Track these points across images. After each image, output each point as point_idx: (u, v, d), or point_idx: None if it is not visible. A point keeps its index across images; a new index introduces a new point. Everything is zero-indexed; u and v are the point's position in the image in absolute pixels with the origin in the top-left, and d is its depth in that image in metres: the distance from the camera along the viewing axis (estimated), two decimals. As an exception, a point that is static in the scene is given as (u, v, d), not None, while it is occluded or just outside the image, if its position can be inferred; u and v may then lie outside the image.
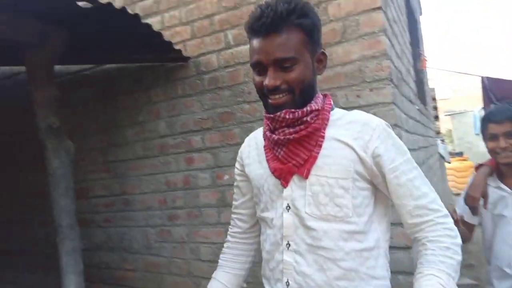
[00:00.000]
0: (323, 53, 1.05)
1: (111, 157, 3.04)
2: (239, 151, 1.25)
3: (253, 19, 0.98)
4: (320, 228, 0.99)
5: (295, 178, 1.02)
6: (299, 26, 0.96)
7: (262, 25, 0.96)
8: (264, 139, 1.11)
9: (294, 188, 1.02)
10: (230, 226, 1.30)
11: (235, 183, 1.27)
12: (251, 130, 2.38)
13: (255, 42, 0.99)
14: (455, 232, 0.98)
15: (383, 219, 1.05)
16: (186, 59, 2.67)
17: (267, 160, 1.08)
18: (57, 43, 2.29)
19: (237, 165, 1.25)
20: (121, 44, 2.57)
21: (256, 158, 1.14)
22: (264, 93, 1.01)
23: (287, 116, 0.98)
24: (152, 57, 2.76)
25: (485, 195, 1.63)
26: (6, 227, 3.66)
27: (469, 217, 1.70)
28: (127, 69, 2.96)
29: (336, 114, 1.06)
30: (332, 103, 1.07)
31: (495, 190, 1.68)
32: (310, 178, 1.00)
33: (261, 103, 1.07)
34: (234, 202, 1.28)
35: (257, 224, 1.22)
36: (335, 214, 0.99)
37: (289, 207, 1.03)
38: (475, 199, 1.61)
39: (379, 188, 1.03)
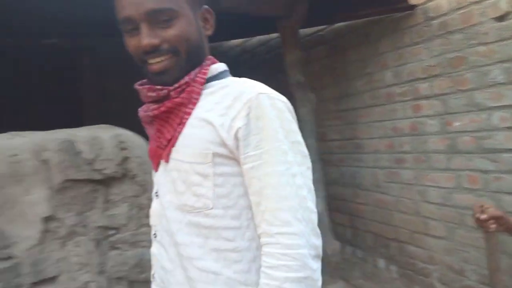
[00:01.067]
0: (208, 10, 0.88)
1: (342, 106, 3.46)
2: None
3: None
4: (176, 219, 0.82)
5: (161, 161, 0.86)
6: None
7: None
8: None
9: (160, 173, 0.88)
10: None
11: None
12: (486, 75, 2.30)
13: None
14: (300, 260, 0.71)
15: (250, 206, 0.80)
16: (413, 7, 2.71)
17: (149, 140, 0.91)
18: (300, 11, 2.78)
19: None
20: (350, 2, 2.85)
21: None
22: (141, 58, 0.82)
23: (157, 95, 0.82)
24: (379, 11, 2.92)
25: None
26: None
27: None
28: (355, 25, 3.23)
29: (218, 84, 0.84)
30: (223, 72, 0.88)
31: None
32: (170, 162, 0.83)
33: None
34: None
35: None
36: (193, 205, 0.80)
37: (157, 194, 0.89)
38: None
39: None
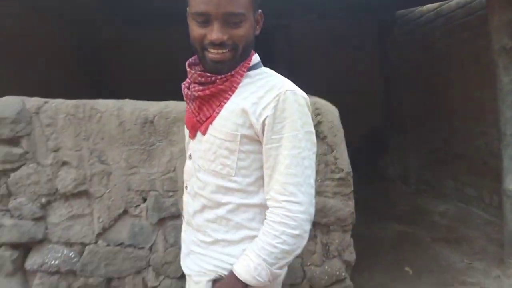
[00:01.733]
0: (260, 14, 1.04)
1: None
2: None
3: None
4: (204, 180, 1.07)
5: (198, 132, 1.09)
6: None
7: None
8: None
9: (196, 141, 1.11)
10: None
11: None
12: None
13: None
14: (297, 222, 0.97)
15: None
16: None
17: (186, 111, 1.15)
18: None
19: None
20: None
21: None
22: (202, 46, 1.00)
23: (205, 80, 1.03)
24: None
25: None
26: (448, 135, 4.42)
27: None
28: None
29: (256, 76, 1.05)
30: (257, 63, 1.07)
31: None
32: (206, 135, 1.06)
33: None
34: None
35: None
36: (219, 171, 1.04)
37: (191, 156, 1.14)
38: None
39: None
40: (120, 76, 5.27)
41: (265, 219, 1.02)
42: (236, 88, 1.04)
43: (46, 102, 1.90)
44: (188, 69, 1.08)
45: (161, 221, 1.94)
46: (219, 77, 1.03)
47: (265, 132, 0.99)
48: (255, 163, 1.04)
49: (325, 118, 1.88)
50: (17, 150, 1.87)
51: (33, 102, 1.89)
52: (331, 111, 1.90)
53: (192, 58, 1.11)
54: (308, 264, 1.97)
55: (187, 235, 1.18)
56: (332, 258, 1.95)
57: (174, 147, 1.91)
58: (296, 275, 1.96)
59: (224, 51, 0.99)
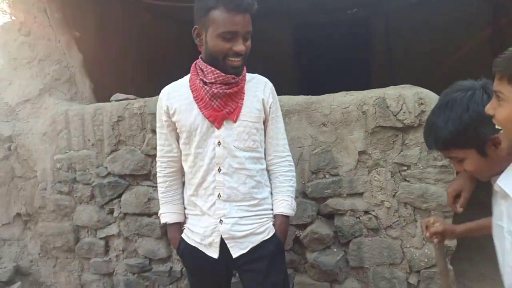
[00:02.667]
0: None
1: None
2: (159, 106, 1.54)
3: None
4: (243, 156, 1.48)
5: (225, 122, 1.46)
6: (253, 11, 1.39)
7: (243, 6, 1.35)
8: (193, 91, 1.48)
9: (223, 129, 1.46)
10: (160, 170, 1.60)
11: (163, 133, 1.55)
12: None
13: (231, 16, 1.34)
14: (293, 166, 1.62)
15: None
16: None
17: (200, 108, 1.45)
18: None
19: (162, 117, 1.53)
20: None
21: (185, 107, 1.48)
22: (226, 55, 1.38)
23: (232, 81, 1.43)
24: None
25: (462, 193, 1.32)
26: None
27: None
28: None
29: (249, 76, 1.54)
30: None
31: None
32: (237, 121, 1.46)
33: None
34: (164, 148, 1.57)
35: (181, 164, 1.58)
36: (251, 146, 1.50)
37: (220, 143, 1.46)
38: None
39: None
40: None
41: (274, 171, 1.58)
42: (244, 84, 1.50)
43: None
44: (206, 71, 1.43)
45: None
46: (238, 78, 1.45)
47: (269, 112, 1.54)
48: (262, 136, 1.55)
49: (429, 107, 2.01)
50: (165, 139, 2.37)
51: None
52: (434, 100, 2.02)
53: (199, 64, 1.47)
54: (408, 246, 2.13)
55: (221, 208, 1.48)
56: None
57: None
58: (396, 256, 2.14)
59: (240, 58, 1.41)
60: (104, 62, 3.23)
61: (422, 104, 2.04)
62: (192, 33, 1.44)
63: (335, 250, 2.26)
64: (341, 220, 2.23)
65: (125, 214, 2.44)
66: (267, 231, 1.51)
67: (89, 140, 2.48)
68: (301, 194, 2.24)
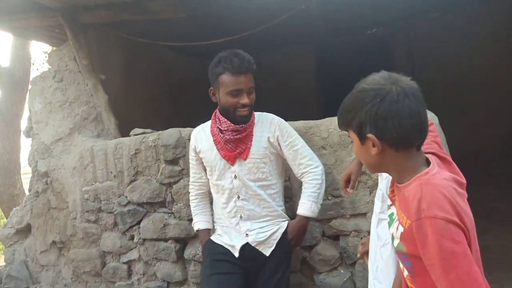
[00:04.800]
0: None
1: None
2: (190, 144, 2.04)
3: (235, 64, 1.74)
4: (254, 186, 1.89)
5: (237, 160, 1.88)
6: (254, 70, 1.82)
7: (243, 69, 1.75)
8: (213, 135, 1.92)
9: (237, 165, 1.88)
10: (193, 191, 2.10)
11: (194, 164, 2.04)
12: None
13: (235, 77, 1.76)
14: (320, 172, 1.96)
15: (282, 175, 2.03)
16: None
17: (218, 149, 1.89)
18: None
19: (192, 153, 2.02)
20: None
21: (207, 148, 1.93)
22: (235, 108, 1.80)
23: (240, 129, 1.86)
24: None
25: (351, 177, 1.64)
26: None
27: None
28: None
29: (257, 117, 1.94)
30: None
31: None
32: (247, 159, 1.87)
33: None
34: (195, 175, 2.06)
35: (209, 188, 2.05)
36: (260, 177, 1.90)
37: (236, 176, 1.88)
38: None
39: (280, 156, 1.95)
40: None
41: (303, 183, 1.96)
42: (253, 128, 1.89)
43: (194, 131, 2.54)
44: (221, 121, 1.86)
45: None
46: (246, 125, 1.85)
47: (280, 143, 1.91)
48: (275, 165, 1.93)
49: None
50: (177, 168, 2.54)
51: (186, 131, 2.54)
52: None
53: (217, 114, 1.90)
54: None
55: (244, 226, 1.91)
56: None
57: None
58: None
59: (247, 109, 1.81)
60: (129, 99, 3.53)
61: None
62: (209, 93, 1.89)
63: (341, 271, 2.28)
64: (346, 241, 2.26)
65: (144, 239, 2.63)
66: (281, 229, 1.93)
67: (111, 172, 2.72)
68: (305, 216, 2.30)
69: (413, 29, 5.27)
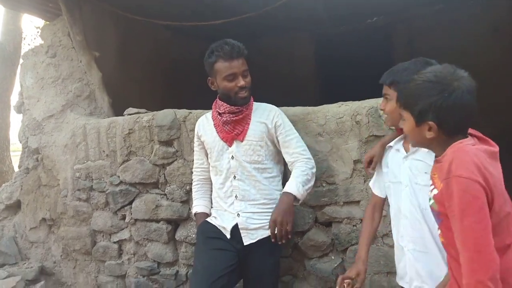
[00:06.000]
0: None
1: None
2: (195, 130, 2.12)
3: (227, 50, 1.85)
4: (250, 167, 1.94)
5: (235, 141, 1.94)
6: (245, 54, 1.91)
7: (234, 53, 1.86)
8: (213, 120, 2.02)
9: (234, 147, 1.95)
10: (195, 176, 2.17)
11: (197, 150, 2.13)
12: None
13: (228, 63, 1.86)
14: (311, 164, 1.99)
15: (279, 162, 2.06)
16: None
17: (217, 132, 1.98)
18: None
19: (196, 139, 2.12)
20: None
21: (208, 131, 2.02)
22: (235, 92, 1.89)
23: (236, 111, 1.93)
24: None
25: (373, 158, 1.67)
26: None
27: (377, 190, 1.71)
28: None
29: (255, 105, 2.02)
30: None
31: (395, 153, 1.56)
32: (244, 141, 1.93)
33: None
34: (198, 161, 2.15)
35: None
36: (256, 159, 1.95)
37: (233, 157, 1.95)
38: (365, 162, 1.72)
39: (276, 143, 2.00)
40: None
41: (293, 170, 1.96)
42: (251, 111, 1.97)
43: (190, 113, 2.50)
44: (219, 105, 1.96)
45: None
46: (243, 108, 1.93)
47: (278, 130, 1.97)
48: (271, 151, 1.98)
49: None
50: (171, 149, 2.51)
51: (181, 113, 2.51)
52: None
53: (217, 101, 1.99)
54: (404, 255, 2.12)
55: (237, 206, 1.95)
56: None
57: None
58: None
59: (245, 91, 1.90)
60: (124, 78, 3.47)
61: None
62: (208, 83, 1.97)
63: (332, 257, 2.29)
64: (338, 228, 2.26)
65: (136, 220, 2.62)
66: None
67: (103, 151, 2.68)
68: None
69: (414, 20, 5.21)
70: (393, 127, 1.64)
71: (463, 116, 1.14)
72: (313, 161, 2.00)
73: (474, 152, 1.10)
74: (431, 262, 1.40)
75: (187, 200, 2.51)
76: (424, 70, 1.21)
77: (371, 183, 1.77)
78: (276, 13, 3.25)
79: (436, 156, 1.23)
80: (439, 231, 1.24)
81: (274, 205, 1.91)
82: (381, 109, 1.58)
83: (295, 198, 1.87)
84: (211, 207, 2.12)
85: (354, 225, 2.24)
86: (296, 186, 1.88)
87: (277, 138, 1.98)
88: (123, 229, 2.68)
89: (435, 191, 1.17)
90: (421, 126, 1.18)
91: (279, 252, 2.02)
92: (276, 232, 1.81)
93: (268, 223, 1.86)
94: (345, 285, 1.52)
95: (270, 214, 1.87)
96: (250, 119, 1.96)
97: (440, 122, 1.14)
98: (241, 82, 1.87)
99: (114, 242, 2.70)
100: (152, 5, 3.32)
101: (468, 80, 1.15)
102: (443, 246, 1.25)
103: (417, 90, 1.18)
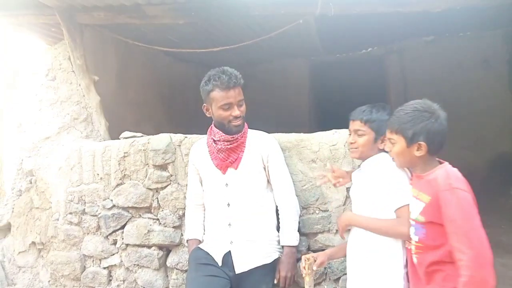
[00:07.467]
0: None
1: None
2: (190, 156, 2.19)
3: (224, 80, 1.87)
4: (243, 194, 1.97)
5: (229, 169, 1.97)
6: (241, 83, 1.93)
7: (231, 84, 1.88)
8: (208, 146, 2.05)
9: (228, 174, 1.98)
10: (189, 201, 2.21)
11: (191, 175, 2.16)
12: None
13: (225, 93, 1.88)
14: (297, 207, 2.09)
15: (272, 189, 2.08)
16: None
17: (212, 159, 2.00)
18: None
19: (190, 164, 2.16)
20: None
21: (203, 158, 2.05)
22: (229, 120, 1.92)
23: (231, 139, 1.97)
24: None
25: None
26: None
27: None
28: None
29: (251, 133, 2.05)
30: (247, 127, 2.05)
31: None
32: (238, 169, 1.96)
33: None
34: (192, 186, 2.16)
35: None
36: (250, 186, 1.98)
37: (227, 184, 1.98)
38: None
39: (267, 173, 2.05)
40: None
41: (280, 207, 2.03)
42: (245, 140, 2.00)
43: (185, 137, 2.50)
44: (214, 132, 2.00)
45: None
46: (238, 136, 1.96)
47: (269, 161, 2.01)
48: (264, 181, 2.03)
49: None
50: (165, 173, 2.50)
51: (177, 137, 2.52)
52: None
53: (213, 128, 2.03)
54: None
55: (230, 234, 1.96)
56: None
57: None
58: None
59: (240, 120, 1.94)
60: (122, 101, 3.51)
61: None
62: (203, 109, 2.01)
63: (325, 286, 2.26)
64: (331, 257, 2.24)
65: (127, 245, 2.58)
66: (269, 258, 1.96)
67: (98, 174, 2.67)
68: (292, 229, 2.28)
69: (406, 50, 5.36)
70: (361, 159, 1.79)
71: (444, 138, 1.44)
72: (297, 201, 2.11)
73: (458, 171, 1.41)
74: None
75: (179, 226, 2.48)
76: (406, 104, 1.51)
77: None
78: (272, 42, 3.34)
79: (420, 173, 1.50)
80: (413, 241, 1.49)
81: (267, 233, 1.97)
82: (351, 143, 1.76)
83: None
84: (204, 233, 2.12)
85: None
86: (294, 236, 2.01)
87: (267, 169, 2.04)
88: (113, 254, 2.63)
89: (421, 204, 1.43)
90: (412, 146, 1.46)
91: (272, 280, 1.99)
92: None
93: (265, 256, 1.96)
94: (306, 261, 1.79)
95: (264, 242, 1.95)
96: (244, 147, 1.99)
97: (429, 142, 1.43)
98: (236, 111, 1.91)
99: (104, 268, 2.65)
100: (153, 32, 3.41)
101: (442, 110, 1.48)
102: (417, 254, 1.48)
103: (409, 117, 1.46)
